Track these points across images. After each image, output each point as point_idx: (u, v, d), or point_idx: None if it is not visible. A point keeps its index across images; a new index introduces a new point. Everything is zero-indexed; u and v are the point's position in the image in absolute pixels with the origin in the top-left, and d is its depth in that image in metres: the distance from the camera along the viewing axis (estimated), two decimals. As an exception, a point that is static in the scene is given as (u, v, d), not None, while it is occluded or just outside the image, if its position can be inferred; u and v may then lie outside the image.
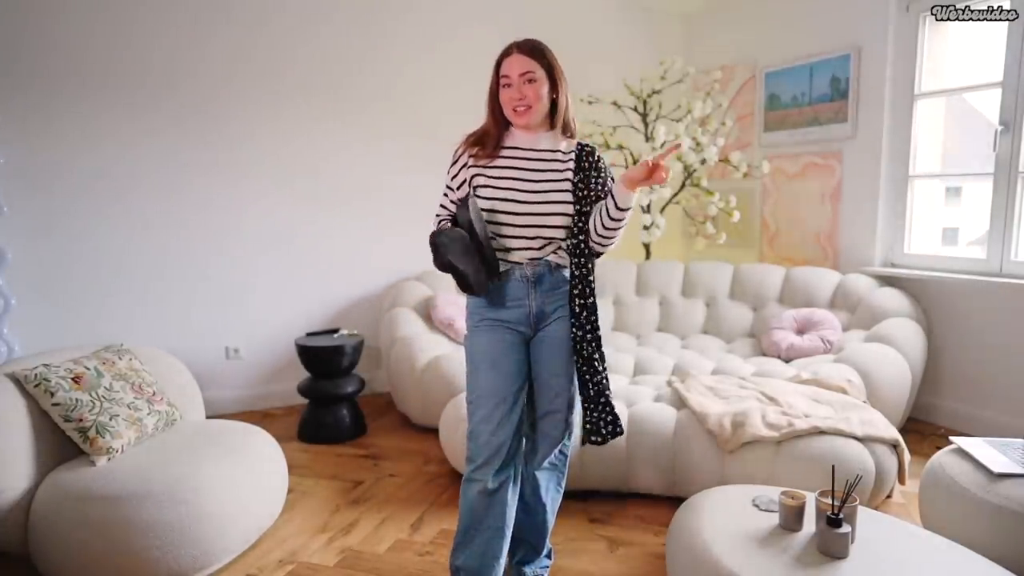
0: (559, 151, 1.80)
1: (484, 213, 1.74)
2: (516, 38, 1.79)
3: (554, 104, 1.77)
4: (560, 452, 1.91)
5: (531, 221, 1.74)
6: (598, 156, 1.81)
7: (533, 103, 1.72)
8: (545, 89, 1.74)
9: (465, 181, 1.80)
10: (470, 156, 1.81)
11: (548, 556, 2.01)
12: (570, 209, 1.76)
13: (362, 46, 3.75)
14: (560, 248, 1.79)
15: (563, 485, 1.97)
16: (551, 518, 1.95)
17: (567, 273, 1.81)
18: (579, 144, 1.81)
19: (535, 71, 1.72)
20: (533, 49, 1.74)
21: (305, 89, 3.63)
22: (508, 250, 1.77)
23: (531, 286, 1.77)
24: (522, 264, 1.77)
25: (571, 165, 1.78)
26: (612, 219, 1.69)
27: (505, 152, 1.79)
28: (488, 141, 1.79)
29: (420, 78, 3.84)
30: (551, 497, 1.93)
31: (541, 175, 1.76)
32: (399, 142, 3.85)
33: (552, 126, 1.80)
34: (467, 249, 1.67)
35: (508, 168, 1.77)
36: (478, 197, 1.76)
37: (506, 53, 1.76)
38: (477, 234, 1.67)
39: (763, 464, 2.27)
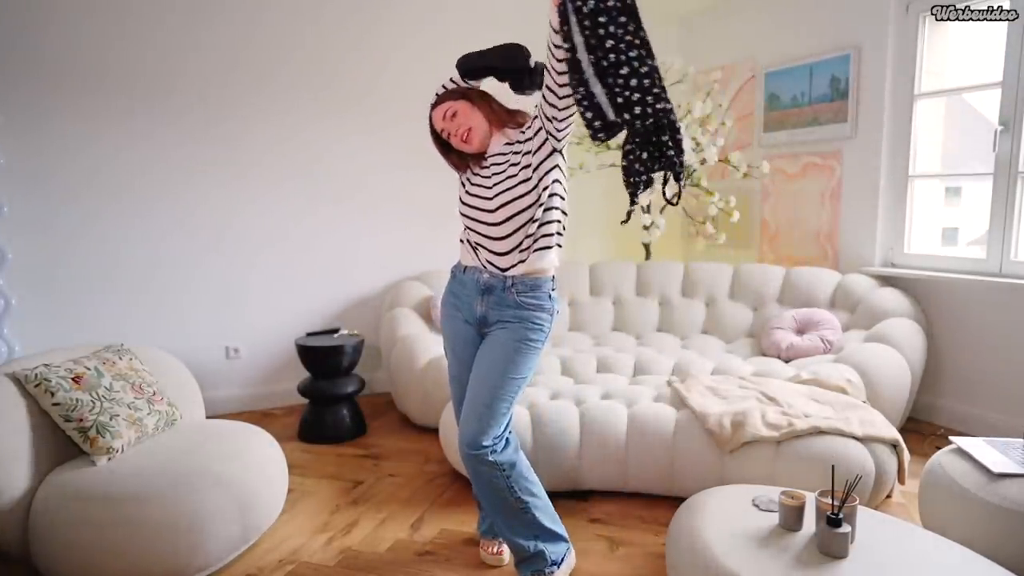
0: (506, 143, 1.87)
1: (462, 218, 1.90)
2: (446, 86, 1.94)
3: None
4: (469, 455, 1.82)
5: (492, 220, 1.82)
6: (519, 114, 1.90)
7: (467, 126, 1.84)
8: (469, 111, 1.85)
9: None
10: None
11: (540, 560, 1.91)
12: (526, 196, 1.77)
13: (356, 37, 3.75)
14: (527, 258, 1.82)
15: (498, 492, 1.86)
16: (496, 515, 1.91)
17: (525, 299, 1.84)
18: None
19: (451, 106, 1.85)
20: (443, 95, 1.89)
21: (303, 86, 3.64)
22: (476, 249, 1.89)
23: (480, 292, 1.88)
24: (482, 270, 1.88)
25: (518, 148, 1.82)
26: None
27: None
28: (462, 167, 1.92)
29: (417, 68, 3.83)
30: (482, 491, 1.90)
31: (494, 178, 1.83)
32: (399, 141, 3.85)
33: (497, 129, 1.90)
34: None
35: (471, 183, 1.88)
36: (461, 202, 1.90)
37: (430, 115, 1.91)
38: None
39: (763, 464, 2.27)
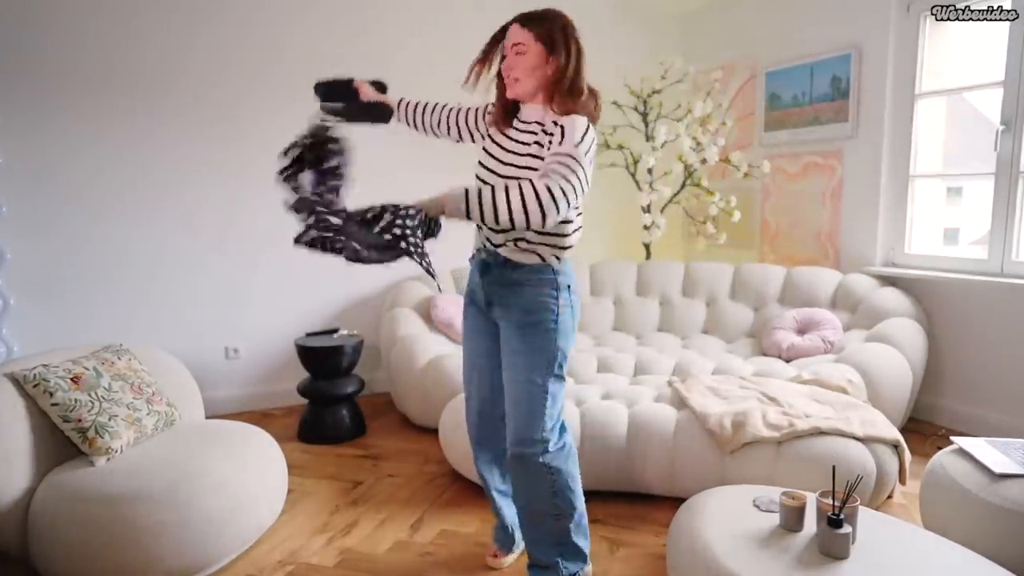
0: (535, 123, 1.72)
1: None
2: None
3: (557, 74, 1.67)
4: (517, 453, 1.76)
5: None
6: (562, 129, 1.61)
7: (521, 75, 1.67)
8: (537, 61, 1.66)
9: (473, 121, 1.91)
10: (488, 113, 1.87)
11: (552, 572, 1.84)
12: None
13: (352, 34, 3.74)
14: (523, 240, 1.70)
15: (537, 494, 1.79)
16: (525, 518, 1.85)
17: (521, 276, 1.72)
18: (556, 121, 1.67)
19: (526, 42, 1.66)
20: (530, 19, 1.68)
21: (304, 85, 3.61)
22: (479, 227, 1.80)
23: (480, 272, 1.83)
24: (482, 248, 1.81)
25: (542, 139, 1.67)
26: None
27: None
28: (497, 110, 1.80)
29: (414, 66, 3.84)
30: (521, 492, 1.82)
31: (509, 148, 1.73)
32: (400, 140, 3.83)
33: (547, 99, 1.70)
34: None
35: (487, 153, 1.80)
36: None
37: (509, 23, 1.72)
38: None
39: (764, 464, 2.26)
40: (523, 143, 1.72)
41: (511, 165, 1.71)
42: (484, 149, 1.82)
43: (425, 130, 2.02)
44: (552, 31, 1.67)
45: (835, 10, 3.61)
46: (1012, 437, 2.24)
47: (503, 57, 1.72)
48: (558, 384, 1.77)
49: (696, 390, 2.64)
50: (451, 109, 1.97)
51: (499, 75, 1.75)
